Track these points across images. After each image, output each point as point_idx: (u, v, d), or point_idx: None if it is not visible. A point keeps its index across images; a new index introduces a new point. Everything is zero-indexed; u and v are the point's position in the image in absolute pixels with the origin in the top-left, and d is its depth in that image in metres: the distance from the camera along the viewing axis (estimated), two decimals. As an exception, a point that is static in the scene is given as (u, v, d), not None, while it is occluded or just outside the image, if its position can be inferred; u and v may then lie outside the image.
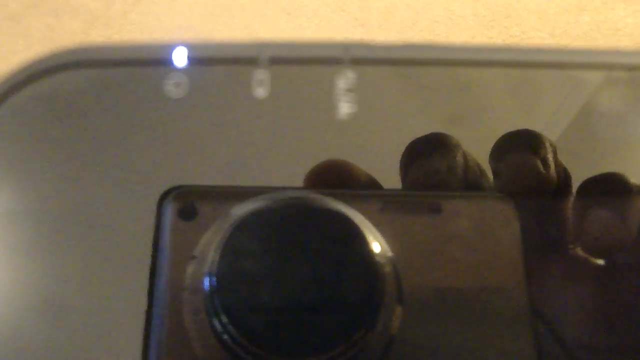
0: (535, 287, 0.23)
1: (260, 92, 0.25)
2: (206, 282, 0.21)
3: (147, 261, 0.23)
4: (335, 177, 0.24)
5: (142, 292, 0.22)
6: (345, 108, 0.25)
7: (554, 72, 0.27)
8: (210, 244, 0.22)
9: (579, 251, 0.24)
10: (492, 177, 0.24)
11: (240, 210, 0.22)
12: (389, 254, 0.23)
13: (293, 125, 0.26)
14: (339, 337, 0.21)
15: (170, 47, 0.25)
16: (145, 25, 0.49)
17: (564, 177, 0.24)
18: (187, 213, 0.23)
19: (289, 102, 0.25)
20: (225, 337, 0.21)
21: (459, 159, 0.24)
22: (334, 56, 0.25)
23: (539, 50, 0.27)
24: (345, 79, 0.25)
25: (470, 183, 0.24)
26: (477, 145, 0.25)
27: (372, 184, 0.24)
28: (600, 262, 0.24)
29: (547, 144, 0.24)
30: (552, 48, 0.27)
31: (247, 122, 0.25)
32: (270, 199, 0.23)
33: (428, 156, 0.24)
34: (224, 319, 0.21)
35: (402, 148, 0.24)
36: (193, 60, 0.25)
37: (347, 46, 0.25)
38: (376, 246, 0.22)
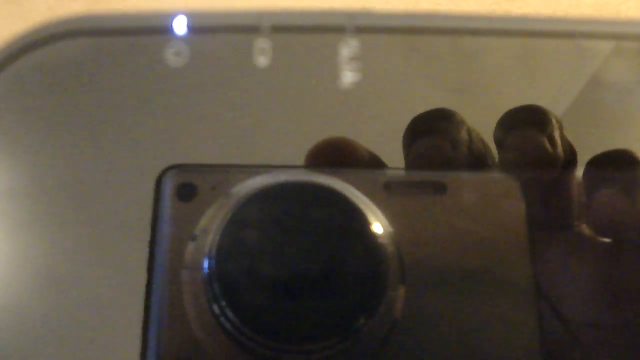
0: (540, 266, 0.23)
1: (262, 60, 0.24)
2: (205, 265, 0.21)
3: (147, 239, 0.22)
4: (337, 154, 0.23)
5: (141, 271, 0.22)
6: (348, 77, 0.24)
7: (562, 41, 0.26)
8: (210, 224, 0.22)
9: (585, 229, 0.24)
10: (497, 153, 0.24)
11: (240, 190, 0.22)
12: (392, 234, 0.22)
13: (295, 94, 0.25)
14: (339, 324, 0.21)
15: (170, 16, 0.25)
16: (147, 3, 0.48)
17: (570, 153, 0.24)
18: (186, 193, 0.23)
19: (291, 71, 0.25)
20: (224, 320, 0.21)
21: (463, 135, 0.23)
22: (337, 24, 0.24)
23: (546, 20, 0.26)
24: (348, 48, 0.24)
25: (474, 159, 0.24)
26: (482, 116, 0.24)
27: (375, 162, 0.24)
28: (606, 240, 0.24)
29: (554, 121, 0.24)
30: (558, 17, 0.27)
31: (248, 91, 0.25)
32: (270, 180, 0.22)
33: (432, 132, 0.23)
34: (223, 303, 0.21)
35: (407, 118, 0.24)
36: (193, 28, 0.24)
37: (350, 14, 0.24)
38: (378, 227, 0.22)
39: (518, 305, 0.22)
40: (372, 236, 0.21)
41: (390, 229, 0.22)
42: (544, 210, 0.24)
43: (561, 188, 0.24)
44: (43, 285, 0.23)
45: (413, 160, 0.23)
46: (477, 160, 0.24)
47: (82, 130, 0.25)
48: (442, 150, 0.23)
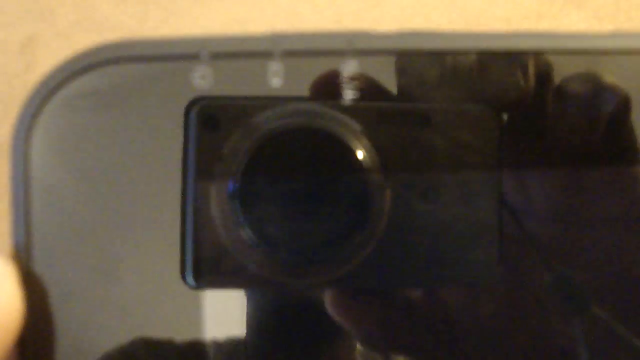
0: (508, 183, 0.24)
1: (276, 82, 0.24)
2: (230, 186, 0.24)
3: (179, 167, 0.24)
4: (337, 82, 0.24)
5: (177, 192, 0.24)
6: (349, 96, 0.24)
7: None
8: (232, 150, 0.24)
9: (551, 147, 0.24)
10: (480, 87, 0.25)
11: (259, 120, 0.24)
12: (379, 162, 0.24)
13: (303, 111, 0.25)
14: (336, 235, 0.23)
15: (194, 43, 0.25)
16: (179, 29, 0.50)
17: (543, 82, 0.24)
18: (209, 123, 0.24)
19: (300, 91, 0.25)
20: (243, 230, 0.23)
21: (449, 69, 0.24)
22: (338, 48, 0.25)
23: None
24: (348, 68, 0.25)
25: (459, 93, 0.24)
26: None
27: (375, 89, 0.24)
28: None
29: (528, 58, 0.24)
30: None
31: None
32: (282, 122, 0.24)
33: (420, 67, 0.24)
34: (242, 217, 0.23)
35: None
36: (215, 54, 0.25)
37: (349, 37, 0.25)
38: (366, 160, 0.24)
39: (483, 212, 0.24)
40: (360, 165, 0.24)
41: (376, 157, 0.24)
42: (515, 134, 0.24)
43: (534, 116, 0.25)
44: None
45: (402, 93, 0.24)
46: (462, 94, 0.24)
47: (122, 148, 0.25)
48: (428, 83, 0.24)
